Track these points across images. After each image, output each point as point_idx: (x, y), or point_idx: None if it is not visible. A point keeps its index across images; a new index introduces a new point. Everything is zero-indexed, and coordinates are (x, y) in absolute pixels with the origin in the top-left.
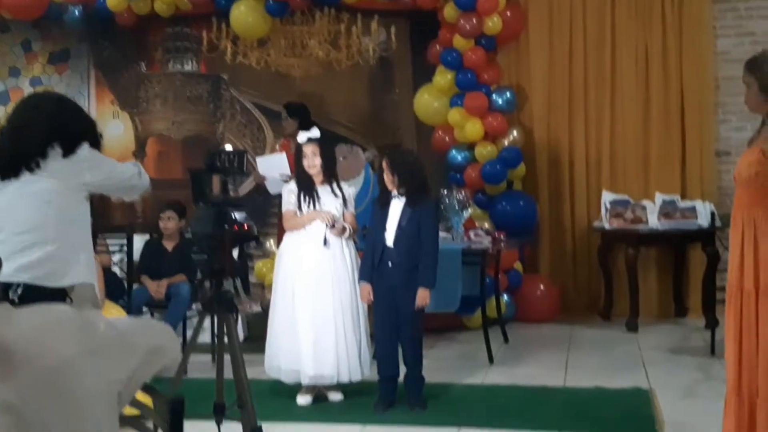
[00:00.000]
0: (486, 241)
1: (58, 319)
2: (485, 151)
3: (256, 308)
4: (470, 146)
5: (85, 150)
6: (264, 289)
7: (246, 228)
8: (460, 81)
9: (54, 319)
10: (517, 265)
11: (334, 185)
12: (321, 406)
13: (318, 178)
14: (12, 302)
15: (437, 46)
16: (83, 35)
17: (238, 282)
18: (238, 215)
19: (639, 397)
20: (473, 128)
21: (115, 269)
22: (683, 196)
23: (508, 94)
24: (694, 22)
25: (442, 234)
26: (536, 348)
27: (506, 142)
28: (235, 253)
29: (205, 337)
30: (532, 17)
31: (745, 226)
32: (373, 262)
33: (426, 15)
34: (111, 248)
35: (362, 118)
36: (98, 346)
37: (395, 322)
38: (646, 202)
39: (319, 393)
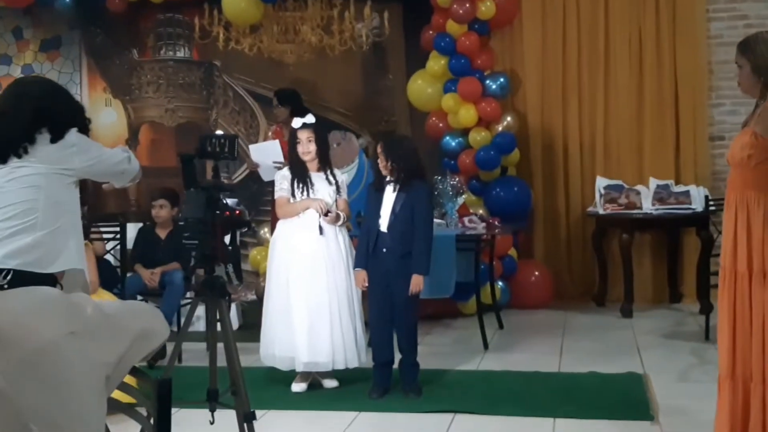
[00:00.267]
0: (480, 228)
1: (43, 301)
2: (479, 137)
3: (251, 296)
4: (464, 132)
5: (73, 135)
6: (258, 277)
7: (238, 213)
8: (453, 66)
9: (39, 301)
10: (512, 252)
11: (329, 172)
12: (316, 393)
13: (312, 164)
14: (1, 288)
15: (430, 32)
16: (75, 22)
17: (230, 268)
18: (229, 201)
19: (633, 382)
20: (467, 114)
21: (108, 257)
22: (677, 181)
23: (501, 79)
24: (687, 5)
25: (436, 220)
26: (531, 334)
27: (500, 128)
28: (228, 239)
29: (201, 326)
30: (526, 2)
31: (738, 209)
32: (368, 249)
33: (419, 0)
34: (104, 236)
35: (355, 104)
36: (85, 329)
37: (390, 309)
38: (640, 187)
39: (314, 380)
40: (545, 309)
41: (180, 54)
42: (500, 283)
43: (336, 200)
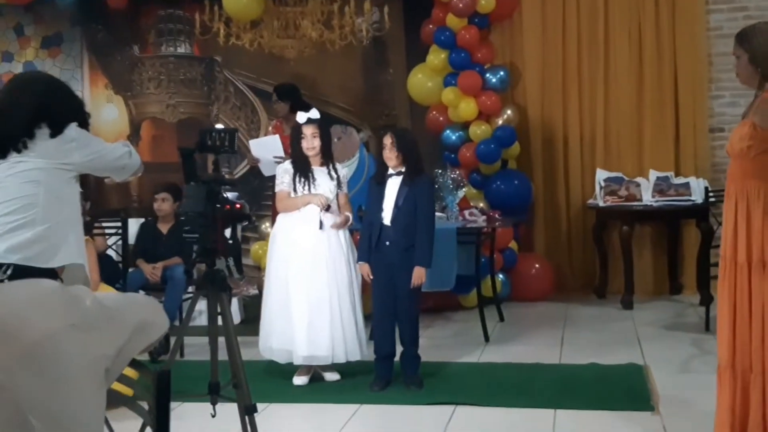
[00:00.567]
0: (481, 221)
1: (42, 293)
2: (479, 131)
3: (253, 291)
4: (464, 126)
5: (73, 130)
6: (260, 271)
7: (238, 207)
8: (453, 60)
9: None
10: (512, 244)
11: (331, 167)
12: (317, 386)
13: (316, 159)
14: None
15: (430, 26)
16: (76, 19)
17: (231, 262)
18: (230, 195)
19: (634, 373)
20: (467, 107)
21: (110, 253)
22: (677, 173)
23: (501, 72)
24: None
25: (437, 214)
26: (531, 326)
27: (500, 121)
28: (229, 232)
29: (203, 320)
30: None
31: (738, 200)
32: (370, 242)
33: None
34: (106, 232)
35: (356, 98)
36: (84, 321)
37: (393, 301)
38: (640, 179)
39: (315, 373)
40: (546, 301)
41: (181, 50)
42: (501, 275)
43: (337, 194)
